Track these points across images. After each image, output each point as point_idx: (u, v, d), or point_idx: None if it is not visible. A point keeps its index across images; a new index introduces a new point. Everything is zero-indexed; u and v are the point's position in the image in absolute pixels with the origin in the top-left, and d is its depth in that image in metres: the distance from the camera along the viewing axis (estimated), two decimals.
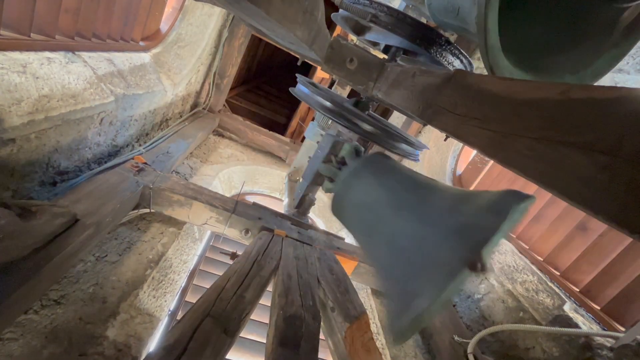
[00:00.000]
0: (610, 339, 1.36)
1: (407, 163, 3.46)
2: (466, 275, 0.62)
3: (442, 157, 3.26)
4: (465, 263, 0.60)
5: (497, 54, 0.85)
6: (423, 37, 1.28)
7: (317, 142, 1.97)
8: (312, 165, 1.78)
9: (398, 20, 1.26)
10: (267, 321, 1.62)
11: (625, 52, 0.96)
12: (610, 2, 0.93)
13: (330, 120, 1.78)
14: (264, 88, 7.11)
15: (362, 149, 1.57)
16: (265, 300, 1.35)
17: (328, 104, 1.45)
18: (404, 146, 1.51)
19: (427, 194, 0.91)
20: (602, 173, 0.40)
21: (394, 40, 1.41)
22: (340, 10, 1.45)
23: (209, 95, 3.40)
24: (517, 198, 0.63)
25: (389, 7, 1.26)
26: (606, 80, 1.80)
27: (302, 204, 2.17)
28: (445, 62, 1.34)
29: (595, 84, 1.89)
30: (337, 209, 1.26)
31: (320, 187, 1.99)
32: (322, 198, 3.24)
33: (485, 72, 0.87)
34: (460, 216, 0.72)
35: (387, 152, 1.74)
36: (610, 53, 0.95)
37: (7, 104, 1.12)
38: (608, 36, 0.94)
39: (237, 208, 1.85)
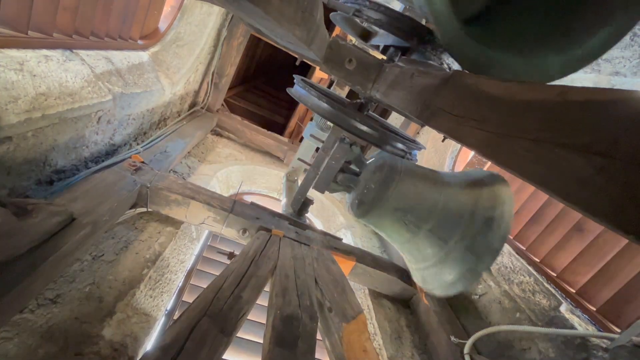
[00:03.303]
0: (605, 340, 1.37)
1: None
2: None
3: (440, 157, 3.26)
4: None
5: (448, 25, 0.76)
6: (412, 32, 1.28)
7: (322, 148, 1.95)
8: (326, 175, 1.71)
9: (380, 13, 1.26)
10: (264, 321, 1.61)
11: (624, 31, 0.79)
12: None
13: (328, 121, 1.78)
14: (262, 88, 7.10)
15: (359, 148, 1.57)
16: (263, 300, 1.35)
17: (325, 106, 1.45)
18: (402, 147, 1.52)
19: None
20: (599, 174, 0.41)
21: (389, 39, 1.42)
22: (338, 14, 1.46)
23: (208, 95, 3.40)
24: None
25: (372, 2, 1.26)
26: (603, 84, 1.81)
27: (300, 204, 2.17)
28: (442, 63, 1.34)
29: (592, 85, 1.90)
30: (371, 216, 1.42)
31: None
32: (320, 198, 3.24)
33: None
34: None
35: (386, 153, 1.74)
36: (606, 31, 0.78)
37: (3, 102, 1.11)
38: (603, 11, 0.77)
39: (234, 208, 1.85)
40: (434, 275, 1.31)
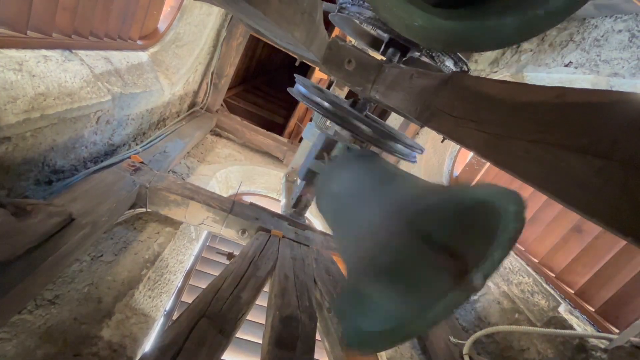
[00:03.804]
0: (604, 341, 1.37)
1: (404, 164, 3.46)
2: (455, 298, 0.57)
3: (439, 158, 3.27)
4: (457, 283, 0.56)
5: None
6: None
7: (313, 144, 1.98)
8: (305, 162, 1.79)
9: (362, 8, 1.26)
10: (263, 322, 1.61)
11: None
12: None
13: (328, 121, 1.79)
14: (262, 88, 7.10)
15: (357, 147, 1.57)
16: (262, 301, 1.35)
17: (326, 104, 1.45)
18: (400, 148, 1.52)
19: (405, 192, 0.84)
20: (597, 176, 0.41)
21: (387, 38, 1.42)
22: (338, 16, 1.46)
23: (207, 95, 3.39)
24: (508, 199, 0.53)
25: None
26: (601, 85, 1.82)
27: (299, 204, 2.17)
28: (442, 64, 1.34)
29: (591, 87, 1.90)
30: (318, 200, 1.26)
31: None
32: None
33: (482, 75, 0.86)
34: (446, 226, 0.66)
35: (385, 154, 1.74)
36: None
37: (2, 102, 1.11)
38: None
39: (234, 208, 1.84)
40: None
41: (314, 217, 3.43)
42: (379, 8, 0.81)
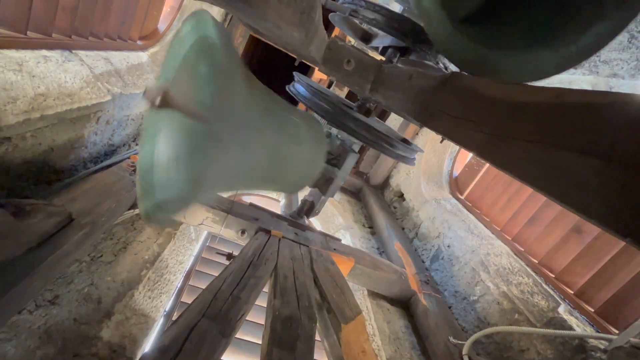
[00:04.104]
0: (603, 341, 1.37)
1: (402, 165, 3.46)
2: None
3: (439, 159, 3.27)
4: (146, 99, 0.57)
5: (436, 21, 0.75)
6: (409, 33, 1.28)
7: None
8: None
9: (377, 14, 1.27)
10: (262, 322, 1.61)
11: (618, 27, 0.76)
12: None
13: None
14: None
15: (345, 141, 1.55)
16: (261, 301, 1.35)
17: (322, 104, 1.45)
18: (401, 148, 1.52)
19: None
20: (595, 177, 0.41)
21: (389, 40, 1.42)
22: (337, 14, 1.46)
23: None
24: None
25: (368, 2, 1.27)
26: (600, 86, 1.82)
27: (305, 209, 2.17)
28: (441, 64, 1.35)
29: (590, 87, 1.90)
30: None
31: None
32: None
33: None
34: None
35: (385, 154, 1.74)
36: (600, 27, 0.76)
37: (2, 103, 1.11)
38: (597, 6, 0.76)
39: (233, 208, 1.84)
40: None
41: (313, 218, 3.43)
42: (434, 39, 0.83)
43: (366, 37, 1.62)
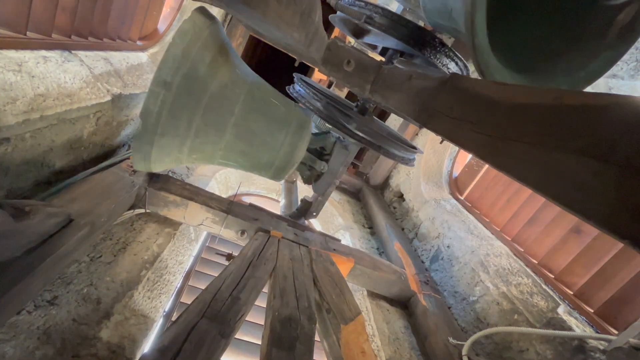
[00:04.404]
0: (603, 342, 1.37)
1: (402, 166, 3.46)
2: None
3: (438, 159, 3.27)
4: None
5: (486, 54, 0.86)
6: (417, 39, 1.29)
7: None
8: None
9: (392, 22, 1.27)
10: (262, 323, 1.61)
11: (620, 54, 0.94)
12: (604, 1, 0.92)
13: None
14: None
15: (343, 140, 1.57)
16: (261, 302, 1.35)
17: (319, 105, 1.45)
18: (399, 149, 1.52)
19: None
20: (594, 179, 0.41)
21: (390, 42, 1.42)
22: (338, 12, 1.46)
23: None
24: None
25: (383, 9, 1.27)
26: (600, 86, 1.82)
27: (305, 210, 2.17)
28: (441, 65, 1.34)
29: (590, 87, 1.90)
30: None
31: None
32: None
33: (479, 77, 0.88)
34: None
35: (384, 155, 1.74)
36: (605, 55, 0.94)
37: (2, 103, 1.11)
38: (603, 38, 0.93)
39: (233, 209, 1.84)
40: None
41: (313, 219, 3.43)
42: (483, 70, 0.94)
43: (358, 32, 1.61)
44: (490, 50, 0.86)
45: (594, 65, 0.95)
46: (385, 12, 1.27)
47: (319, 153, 1.74)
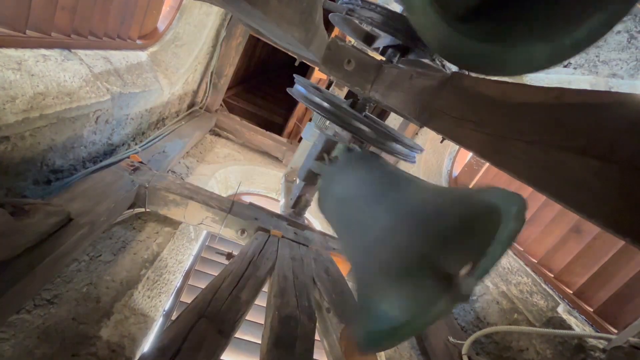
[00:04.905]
0: (602, 341, 1.37)
1: (402, 165, 3.47)
2: (447, 303, 0.60)
3: (438, 158, 3.27)
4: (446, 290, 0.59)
5: (422, 14, 0.76)
6: (404, 30, 1.27)
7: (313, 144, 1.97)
8: (305, 163, 1.79)
9: (372, 12, 1.26)
10: (262, 322, 1.61)
11: (615, 18, 0.74)
12: None
13: (328, 121, 1.78)
14: (261, 88, 7.10)
15: (357, 148, 1.57)
16: (261, 301, 1.35)
17: (325, 104, 1.45)
18: (400, 148, 1.52)
19: (410, 196, 0.89)
20: (595, 177, 0.41)
21: (386, 40, 1.42)
22: (337, 16, 1.46)
23: (206, 95, 3.39)
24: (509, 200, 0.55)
25: (365, 1, 1.26)
26: (600, 86, 1.82)
27: (298, 204, 2.17)
28: (441, 64, 1.34)
29: (590, 87, 1.90)
30: (321, 203, 1.27)
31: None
32: None
33: (480, 76, 0.86)
34: (444, 222, 0.70)
35: (383, 154, 1.74)
36: (595, 19, 0.74)
37: (1, 102, 1.11)
38: None
39: (233, 208, 1.84)
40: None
41: (313, 217, 3.43)
42: (418, 29, 0.83)
43: (369, 39, 1.62)
44: (437, 16, 0.78)
45: (581, 31, 0.75)
46: (366, 4, 1.26)
47: (332, 162, 1.71)
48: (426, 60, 1.50)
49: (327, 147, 1.75)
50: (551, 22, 0.79)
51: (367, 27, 1.49)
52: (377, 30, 1.32)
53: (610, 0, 0.71)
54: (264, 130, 3.81)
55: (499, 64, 0.84)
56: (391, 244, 0.75)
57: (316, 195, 1.56)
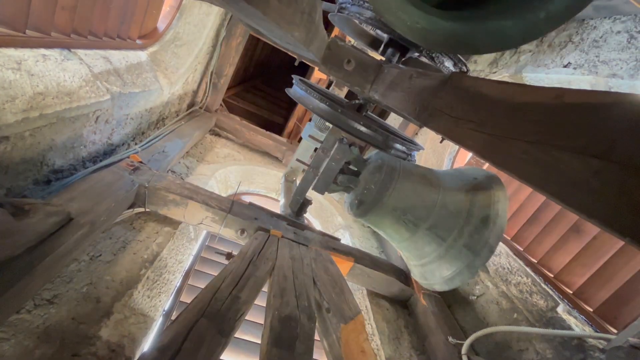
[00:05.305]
0: (602, 341, 1.37)
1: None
2: None
3: (438, 158, 3.27)
4: None
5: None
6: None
7: (321, 149, 1.92)
8: (326, 176, 1.71)
9: (363, 8, 1.27)
10: (262, 322, 1.61)
11: None
12: None
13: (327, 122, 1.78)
14: (261, 88, 7.10)
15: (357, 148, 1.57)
16: (261, 301, 1.35)
17: (323, 106, 1.45)
18: (400, 147, 1.52)
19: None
20: (595, 177, 0.41)
21: (385, 37, 1.42)
22: (337, 16, 1.46)
23: (206, 95, 3.39)
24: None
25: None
26: (600, 86, 1.82)
27: (300, 207, 2.17)
28: (439, 63, 1.35)
29: (590, 87, 1.91)
30: (370, 216, 1.46)
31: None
32: (319, 199, 3.24)
33: (481, 76, 0.86)
34: None
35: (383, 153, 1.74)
36: None
37: (1, 101, 1.11)
38: None
39: (233, 208, 1.84)
40: (432, 271, 1.37)
41: (313, 218, 3.43)
42: (381, 10, 0.82)
43: (376, 44, 1.62)
44: None
45: (556, 3, 0.68)
46: (356, 0, 1.27)
47: (351, 171, 1.71)
48: (427, 62, 1.51)
49: (347, 156, 1.68)
50: None
51: (374, 32, 1.50)
52: (380, 33, 1.33)
53: None
54: (264, 130, 3.81)
55: (470, 43, 0.81)
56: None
57: (348, 203, 1.61)
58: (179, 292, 1.83)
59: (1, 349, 0.97)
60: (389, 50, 1.52)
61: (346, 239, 2.80)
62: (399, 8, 0.78)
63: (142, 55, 2.20)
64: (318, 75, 3.59)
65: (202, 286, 1.21)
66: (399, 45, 1.45)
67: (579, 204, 0.42)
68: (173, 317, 1.68)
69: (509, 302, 1.84)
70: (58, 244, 1.07)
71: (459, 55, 1.37)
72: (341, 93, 3.17)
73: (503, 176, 2.55)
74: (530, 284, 1.82)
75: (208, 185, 2.48)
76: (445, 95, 0.79)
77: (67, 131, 1.49)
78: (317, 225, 3.37)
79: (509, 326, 1.70)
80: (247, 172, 3.31)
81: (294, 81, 1.78)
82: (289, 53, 2.47)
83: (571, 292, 1.77)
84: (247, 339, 1.88)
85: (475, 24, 0.77)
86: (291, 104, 5.03)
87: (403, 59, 1.52)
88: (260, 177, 3.42)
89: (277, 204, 3.22)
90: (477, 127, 0.64)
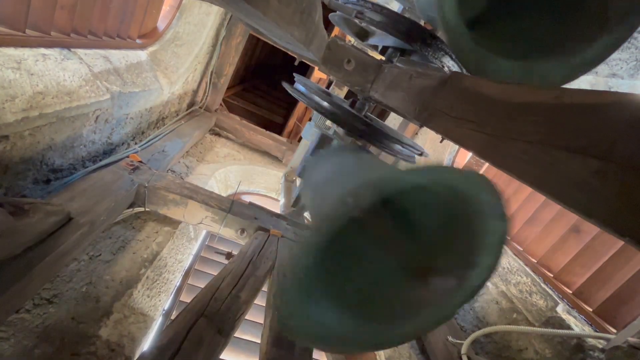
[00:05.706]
0: (601, 341, 1.38)
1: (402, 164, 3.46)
2: None
3: (437, 158, 3.27)
4: None
5: (458, 35, 0.82)
6: (410, 33, 1.28)
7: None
8: (302, 160, 1.79)
9: (382, 16, 1.27)
10: (262, 321, 1.61)
11: (620, 40, 0.86)
12: None
13: (328, 121, 1.78)
14: (261, 88, 7.09)
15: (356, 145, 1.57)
16: (260, 301, 1.35)
17: (324, 103, 1.45)
18: (399, 147, 1.52)
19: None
20: (595, 177, 0.41)
21: (388, 40, 1.42)
22: (338, 12, 1.46)
23: (206, 94, 3.39)
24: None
25: (374, 4, 1.27)
26: (600, 86, 1.82)
27: (298, 203, 2.17)
28: (439, 63, 1.34)
29: (590, 87, 1.91)
30: (301, 192, 1.35)
31: None
32: None
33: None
34: None
35: (383, 153, 1.74)
36: (603, 41, 0.86)
37: (1, 101, 1.11)
38: (600, 22, 0.85)
39: (233, 208, 1.84)
40: None
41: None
42: (455, 50, 0.88)
43: (362, 35, 1.61)
44: (461, 25, 0.83)
45: (591, 50, 0.85)
46: (376, 7, 1.27)
47: None
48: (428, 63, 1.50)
49: (322, 143, 1.75)
50: (564, 42, 0.87)
51: (363, 24, 1.49)
52: (372, 27, 1.33)
53: (619, 23, 0.80)
54: (264, 130, 3.81)
55: (511, 78, 0.93)
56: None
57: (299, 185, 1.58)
58: (178, 291, 1.83)
59: (1, 348, 0.97)
60: (389, 50, 1.52)
61: None
62: (469, 47, 0.88)
63: (142, 55, 2.20)
64: (318, 75, 3.59)
65: (202, 285, 1.21)
66: (403, 48, 1.45)
67: (579, 204, 0.42)
68: (173, 317, 1.68)
69: (509, 301, 1.84)
70: (58, 244, 1.07)
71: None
72: (341, 93, 3.17)
73: (503, 175, 2.55)
74: (530, 283, 1.82)
75: (208, 185, 2.48)
76: (445, 95, 0.79)
77: (67, 130, 1.49)
78: None
79: (509, 326, 1.70)
80: (247, 172, 3.31)
81: (295, 80, 1.78)
82: (289, 53, 2.47)
83: (571, 292, 1.77)
84: (247, 338, 1.88)
85: (524, 64, 0.90)
86: (291, 104, 5.03)
87: (402, 58, 1.52)
88: (260, 176, 3.42)
89: (277, 204, 3.22)
90: (477, 127, 0.64)
